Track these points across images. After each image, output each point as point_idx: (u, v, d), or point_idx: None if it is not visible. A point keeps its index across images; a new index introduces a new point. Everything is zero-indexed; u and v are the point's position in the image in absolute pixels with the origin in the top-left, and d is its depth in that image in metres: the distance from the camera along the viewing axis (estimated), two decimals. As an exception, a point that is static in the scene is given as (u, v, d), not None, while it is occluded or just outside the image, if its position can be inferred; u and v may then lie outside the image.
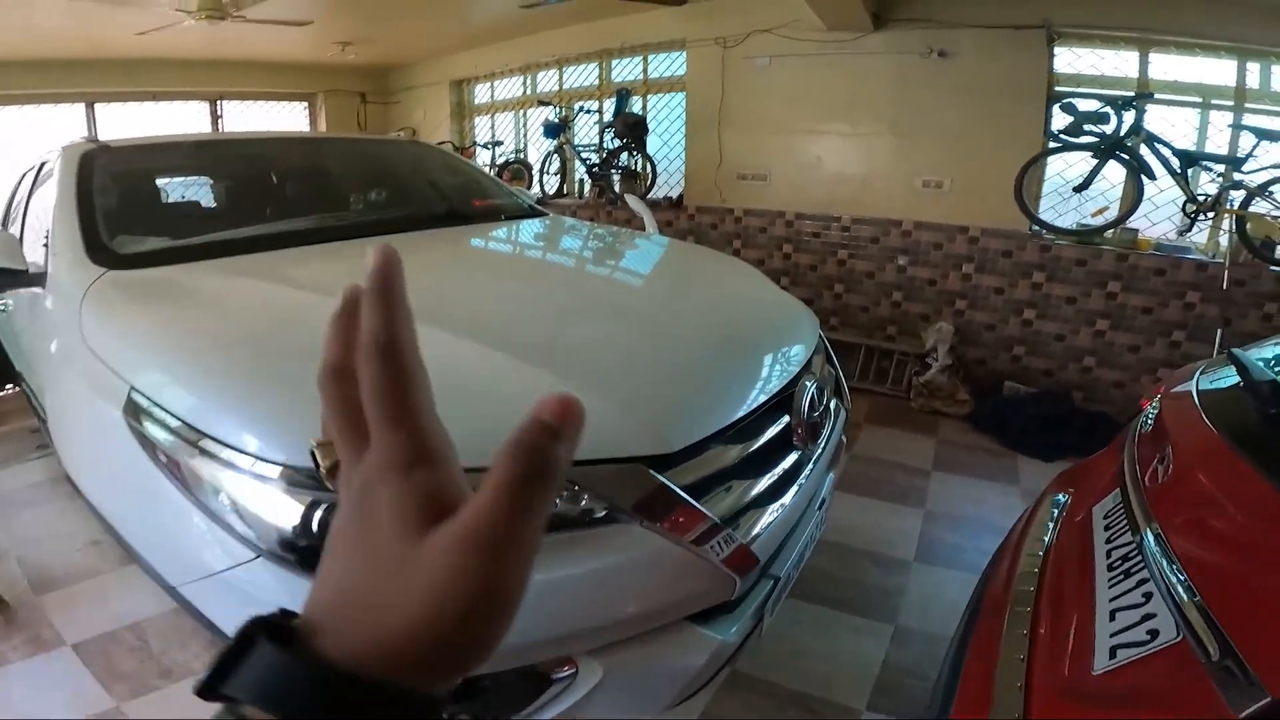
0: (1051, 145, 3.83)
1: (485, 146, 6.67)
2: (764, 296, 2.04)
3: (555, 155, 5.77)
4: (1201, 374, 1.43)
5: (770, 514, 1.30)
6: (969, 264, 4.18)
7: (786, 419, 1.43)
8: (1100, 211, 3.94)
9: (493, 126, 6.91)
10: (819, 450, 1.54)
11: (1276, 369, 1.18)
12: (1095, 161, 3.66)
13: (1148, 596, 0.92)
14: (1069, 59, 3.92)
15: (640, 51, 5.43)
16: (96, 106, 6.29)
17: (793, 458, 1.42)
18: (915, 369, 4.25)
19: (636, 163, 5.36)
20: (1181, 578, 0.86)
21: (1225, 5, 3.47)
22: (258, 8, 4.22)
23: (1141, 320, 3.92)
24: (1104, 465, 1.59)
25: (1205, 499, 1.01)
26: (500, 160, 6.45)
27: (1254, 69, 3.64)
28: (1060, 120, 3.74)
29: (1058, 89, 3.88)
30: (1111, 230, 3.84)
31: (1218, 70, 3.68)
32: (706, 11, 4.75)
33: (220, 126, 6.95)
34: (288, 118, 7.44)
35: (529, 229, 2.60)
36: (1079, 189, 3.76)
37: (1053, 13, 3.74)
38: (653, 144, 5.49)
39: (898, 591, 2.43)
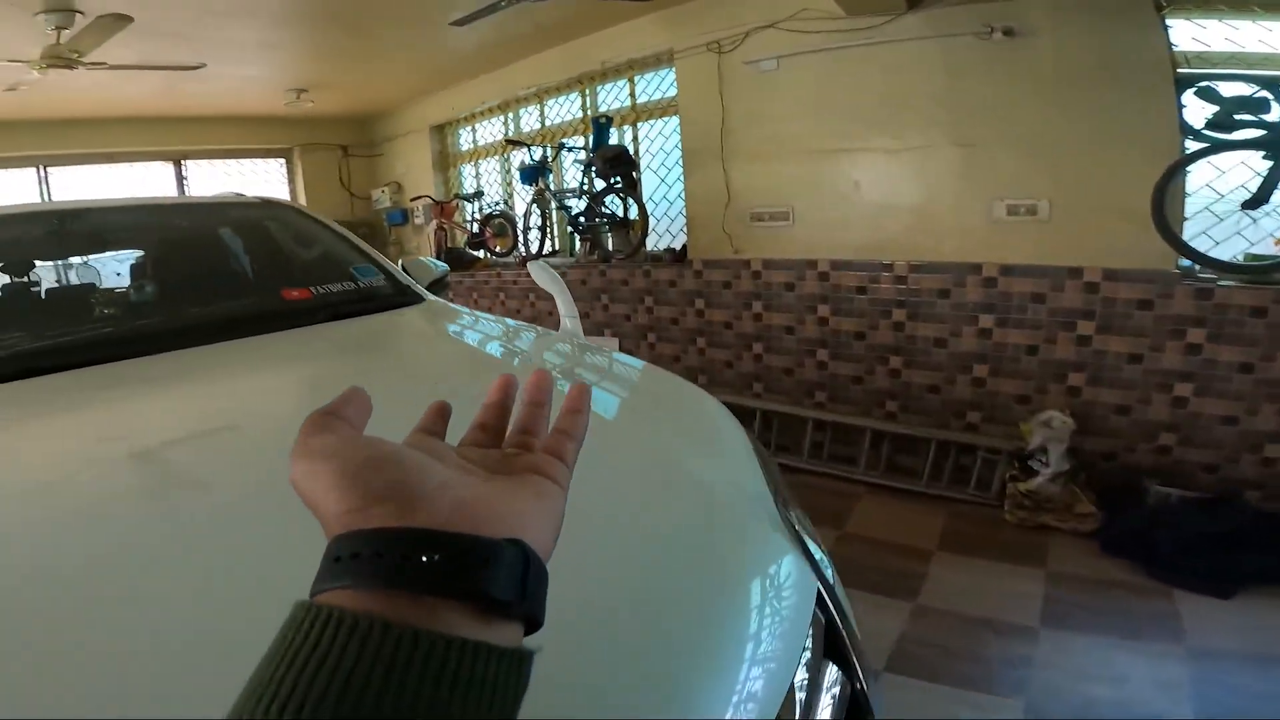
0: (1194, 146, 2.63)
1: (468, 199, 5.79)
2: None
3: (535, 205, 4.79)
4: None
5: None
6: (1086, 321, 2.95)
7: None
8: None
9: (476, 175, 6.04)
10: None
11: None
12: (1270, 164, 2.46)
13: None
14: (1192, 32, 2.74)
15: (624, 72, 4.45)
16: (51, 170, 5.77)
17: None
18: (1011, 472, 3.03)
19: (626, 208, 4.33)
20: None
21: None
22: (118, 52, 3.40)
23: (1367, 391, 2.62)
24: None
25: None
26: (482, 214, 5.54)
27: None
28: (1201, 112, 2.59)
29: (1183, 71, 2.69)
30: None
31: None
32: (694, 11, 3.72)
33: (186, 188, 6.32)
34: (260, 177, 6.76)
35: (341, 338, 1.62)
36: (1250, 204, 2.55)
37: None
38: (651, 183, 4.48)
39: None
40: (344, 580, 0.25)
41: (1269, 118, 2.45)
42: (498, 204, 5.52)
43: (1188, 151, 2.65)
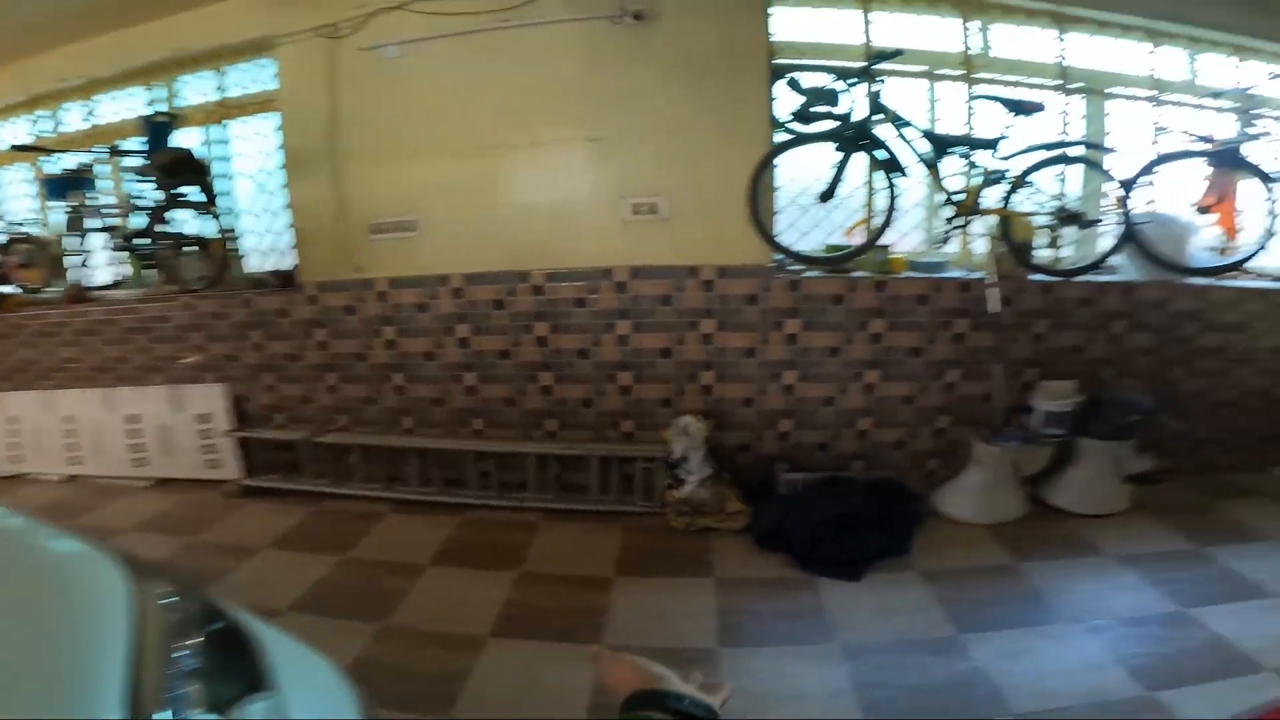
0: (781, 138, 2.82)
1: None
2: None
3: (70, 225, 3.58)
4: None
5: None
6: (707, 319, 3.05)
7: None
8: (856, 226, 3.11)
9: (-2, 188, 4.41)
10: None
11: None
12: (840, 156, 2.68)
13: None
14: (790, 20, 2.96)
15: (212, 63, 3.60)
16: None
17: None
18: (666, 480, 2.98)
19: (207, 225, 3.45)
20: None
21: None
22: None
23: (912, 363, 3.13)
24: None
25: None
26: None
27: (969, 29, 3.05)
28: (787, 102, 2.76)
29: (777, 61, 2.89)
30: (865, 251, 2.92)
31: (939, 32, 3.03)
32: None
33: None
34: None
35: None
36: (825, 196, 2.76)
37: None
38: (247, 192, 3.67)
39: None
40: (653, 707, 0.59)
41: (839, 110, 2.64)
42: (19, 224, 4.04)
43: (777, 144, 2.78)
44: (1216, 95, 2.97)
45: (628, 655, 0.65)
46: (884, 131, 2.67)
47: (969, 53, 3.03)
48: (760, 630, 2.30)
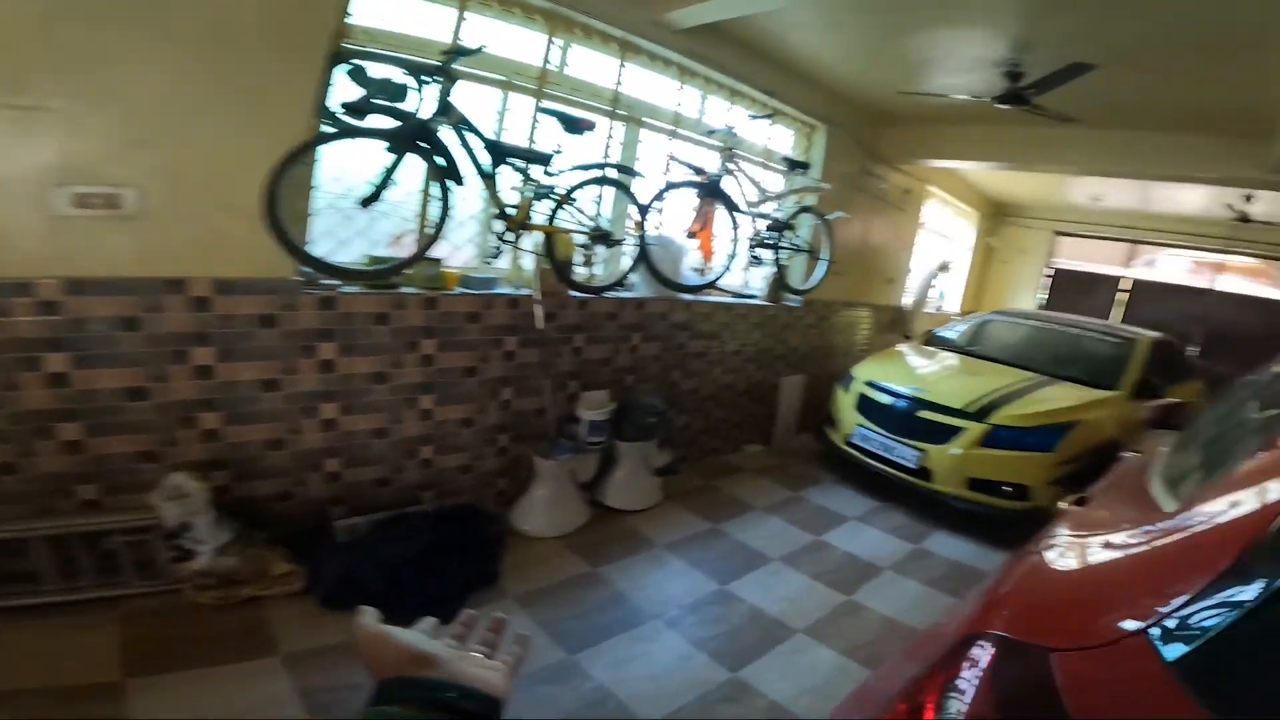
0: (326, 129, 2.29)
1: None
2: None
3: None
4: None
5: None
6: (203, 347, 2.30)
7: None
8: (404, 236, 2.72)
9: None
10: None
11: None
12: (392, 157, 2.29)
13: None
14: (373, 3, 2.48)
15: None
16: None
17: None
18: (171, 553, 2.16)
19: None
20: None
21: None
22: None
23: (468, 384, 2.97)
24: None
25: None
26: None
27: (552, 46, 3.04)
28: (346, 93, 2.28)
29: (348, 45, 2.39)
30: (414, 263, 2.59)
31: (523, 44, 2.95)
32: None
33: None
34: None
35: None
36: (368, 201, 2.31)
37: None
38: None
39: None
40: (402, 700, 0.51)
41: (405, 107, 2.27)
42: None
43: (319, 134, 2.25)
44: (711, 133, 3.58)
45: (393, 629, 0.55)
46: (445, 135, 2.40)
47: (546, 67, 3.00)
48: (346, 698, 1.85)
